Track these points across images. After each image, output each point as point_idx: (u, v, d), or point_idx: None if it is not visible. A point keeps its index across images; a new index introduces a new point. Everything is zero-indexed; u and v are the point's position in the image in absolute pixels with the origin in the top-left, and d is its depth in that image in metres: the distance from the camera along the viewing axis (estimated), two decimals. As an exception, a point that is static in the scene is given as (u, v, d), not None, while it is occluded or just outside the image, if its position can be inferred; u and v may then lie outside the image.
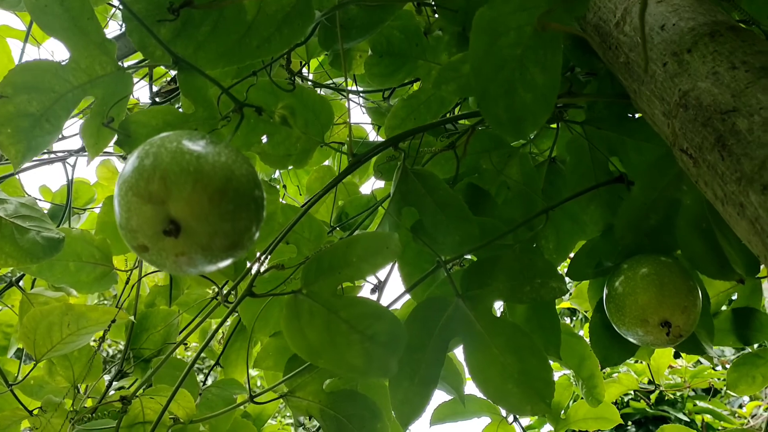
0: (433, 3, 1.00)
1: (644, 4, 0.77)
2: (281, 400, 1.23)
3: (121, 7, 0.73)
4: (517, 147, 1.20)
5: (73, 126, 3.26)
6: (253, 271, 0.90)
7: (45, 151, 2.16)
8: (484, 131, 1.19)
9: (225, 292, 0.92)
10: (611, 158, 1.10)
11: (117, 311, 1.10)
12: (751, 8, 1.05)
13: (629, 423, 4.17)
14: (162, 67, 1.75)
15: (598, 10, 0.99)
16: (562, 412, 1.49)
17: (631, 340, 1.00)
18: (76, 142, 2.01)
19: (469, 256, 1.16)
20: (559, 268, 1.33)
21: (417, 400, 0.99)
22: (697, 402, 3.91)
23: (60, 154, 2.09)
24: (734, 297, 1.35)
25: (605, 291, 1.04)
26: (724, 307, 1.32)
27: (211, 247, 0.57)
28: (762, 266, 1.09)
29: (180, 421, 1.13)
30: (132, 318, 1.28)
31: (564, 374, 1.58)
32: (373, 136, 1.94)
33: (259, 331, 1.12)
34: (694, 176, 0.75)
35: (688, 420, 3.95)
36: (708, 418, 3.94)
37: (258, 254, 0.95)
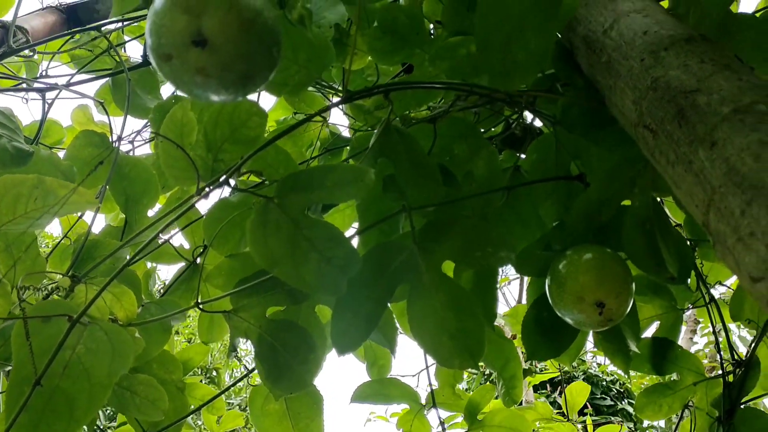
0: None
1: None
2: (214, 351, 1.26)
3: None
4: (488, 140, 1.29)
5: (57, 68, 3.26)
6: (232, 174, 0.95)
7: (23, 80, 2.17)
8: (459, 119, 1.27)
9: (201, 187, 0.96)
10: (574, 161, 1.20)
11: (88, 196, 1.12)
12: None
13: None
14: None
15: (589, 24, 1.09)
16: (479, 414, 1.54)
17: (567, 320, 1.07)
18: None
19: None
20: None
21: (356, 333, 1.03)
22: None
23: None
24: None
25: (548, 276, 1.11)
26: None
27: (229, 69, 0.63)
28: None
29: (118, 323, 1.15)
30: (99, 201, 1.30)
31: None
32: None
33: (219, 247, 1.16)
34: (651, 149, 0.84)
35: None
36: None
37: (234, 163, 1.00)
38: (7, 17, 2.02)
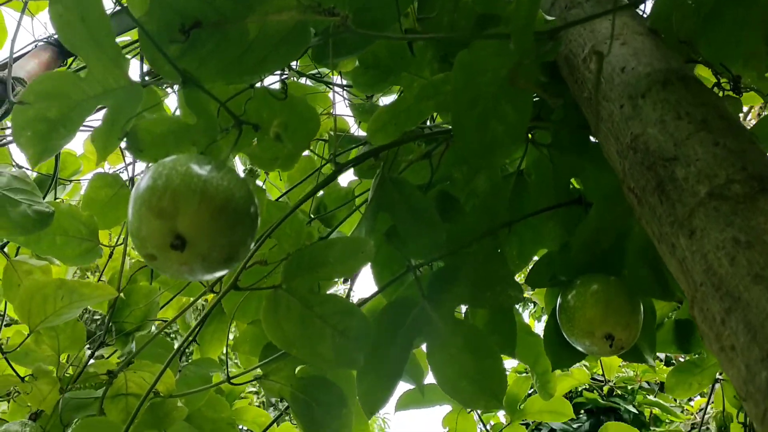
0: (421, 35, 1.08)
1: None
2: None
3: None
4: (488, 160, 1.29)
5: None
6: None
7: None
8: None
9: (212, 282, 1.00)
10: (573, 179, 1.20)
11: (108, 289, 1.17)
12: (708, 51, 1.14)
13: (582, 411, 4.34)
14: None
15: (569, 43, 1.07)
16: (519, 404, 1.60)
17: (579, 348, 1.10)
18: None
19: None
20: (520, 272, 1.44)
21: (381, 392, 1.08)
22: (647, 395, 4.08)
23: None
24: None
25: (559, 301, 1.14)
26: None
27: (209, 258, 0.66)
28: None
29: (160, 395, 1.22)
30: (121, 294, 1.36)
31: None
32: (355, 129, 2.03)
33: (239, 318, 1.20)
34: (638, 213, 0.85)
35: (637, 412, 4.14)
36: (657, 411, 4.13)
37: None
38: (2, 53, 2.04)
